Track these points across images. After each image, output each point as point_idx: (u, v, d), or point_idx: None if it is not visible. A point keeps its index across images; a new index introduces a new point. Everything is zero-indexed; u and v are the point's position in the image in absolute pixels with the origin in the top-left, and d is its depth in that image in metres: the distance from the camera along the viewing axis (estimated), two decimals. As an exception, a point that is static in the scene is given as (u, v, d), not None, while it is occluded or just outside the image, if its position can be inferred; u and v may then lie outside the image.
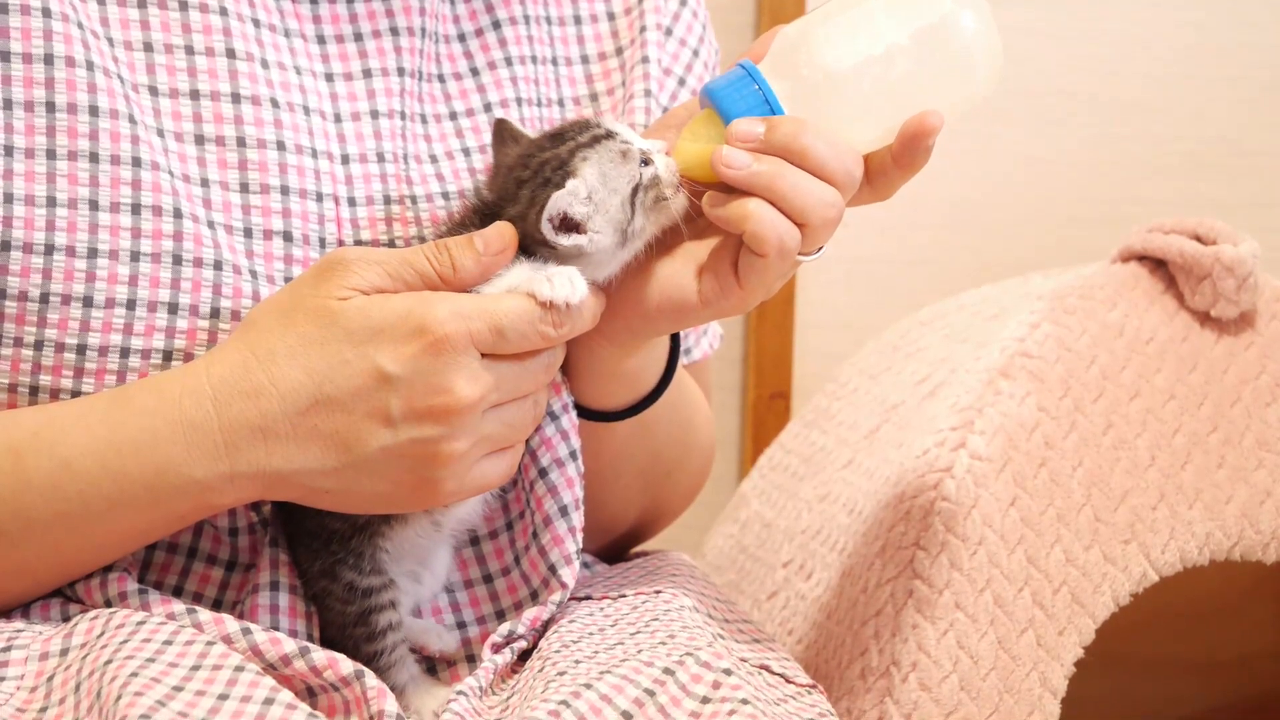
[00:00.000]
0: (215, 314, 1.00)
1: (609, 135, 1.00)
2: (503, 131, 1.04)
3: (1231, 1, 2.23)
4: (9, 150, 0.98)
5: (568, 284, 0.97)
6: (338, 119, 1.07)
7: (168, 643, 0.94)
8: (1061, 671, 1.23)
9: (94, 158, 0.99)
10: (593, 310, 0.99)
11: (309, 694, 0.96)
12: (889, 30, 0.99)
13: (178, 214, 1.00)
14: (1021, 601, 1.23)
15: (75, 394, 0.99)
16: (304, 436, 0.96)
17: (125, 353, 0.99)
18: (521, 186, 0.99)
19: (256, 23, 1.05)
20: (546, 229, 0.97)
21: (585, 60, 1.16)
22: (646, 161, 0.99)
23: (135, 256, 0.99)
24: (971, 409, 1.30)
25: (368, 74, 1.08)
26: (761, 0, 2.13)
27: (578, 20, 1.16)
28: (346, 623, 1.03)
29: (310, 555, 1.03)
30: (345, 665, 0.95)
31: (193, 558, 1.05)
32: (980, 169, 2.21)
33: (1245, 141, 2.26)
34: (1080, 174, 2.24)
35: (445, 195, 1.08)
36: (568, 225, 0.97)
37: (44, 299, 0.98)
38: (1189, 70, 2.24)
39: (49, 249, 0.98)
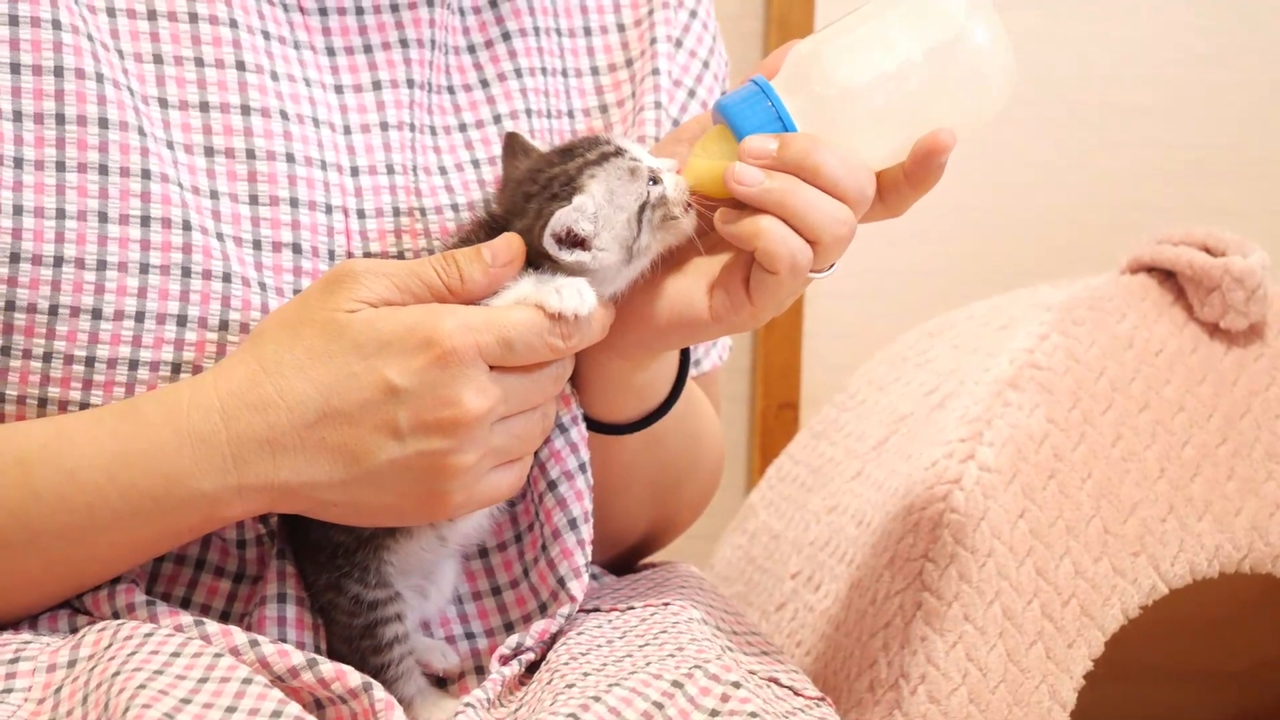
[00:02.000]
0: (224, 326, 1.00)
1: (618, 152, 0.99)
2: (513, 145, 1.04)
3: (1239, 7, 2.23)
4: (19, 162, 0.98)
5: (576, 295, 0.97)
6: (347, 131, 1.07)
7: (175, 654, 0.94)
8: (1071, 684, 1.23)
9: (103, 170, 0.99)
10: (601, 322, 0.99)
11: (317, 706, 0.96)
12: (903, 47, 0.98)
13: (187, 226, 1.00)
14: (1030, 614, 1.23)
15: (84, 406, 0.99)
16: (312, 449, 0.96)
17: (134, 365, 0.99)
18: (529, 201, 0.99)
19: (266, 35, 1.05)
20: (550, 244, 0.96)
21: (595, 72, 1.16)
22: (655, 180, 0.99)
23: (144, 269, 0.99)
24: (980, 420, 1.30)
25: (377, 86, 1.08)
26: (770, 7, 2.13)
27: (588, 32, 1.16)
28: (353, 635, 1.03)
29: (316, 568, 1.03)
30: (353, 677, 0.95)
31: (200, 570, 1.05)
32: (987, 176, 2.21)
33: (1253, 147, 2.26)
34: (1087, 180, 2.24)
35: (454, 207, 1.08)
36: (572, 241, 0.97)
37: (53, 311, 0.98)
38: (1196, 76, 2.24)
39: (58, 261, 0.98)
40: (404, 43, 1.09)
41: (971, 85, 1.00)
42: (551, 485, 1.07)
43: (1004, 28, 1.00)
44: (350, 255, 1.05)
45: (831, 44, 0.99)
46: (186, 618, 0.99)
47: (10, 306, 0.98)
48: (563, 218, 0.96)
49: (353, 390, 0.95)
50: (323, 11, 1.08)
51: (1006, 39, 1.00)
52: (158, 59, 1.02)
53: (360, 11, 1.09)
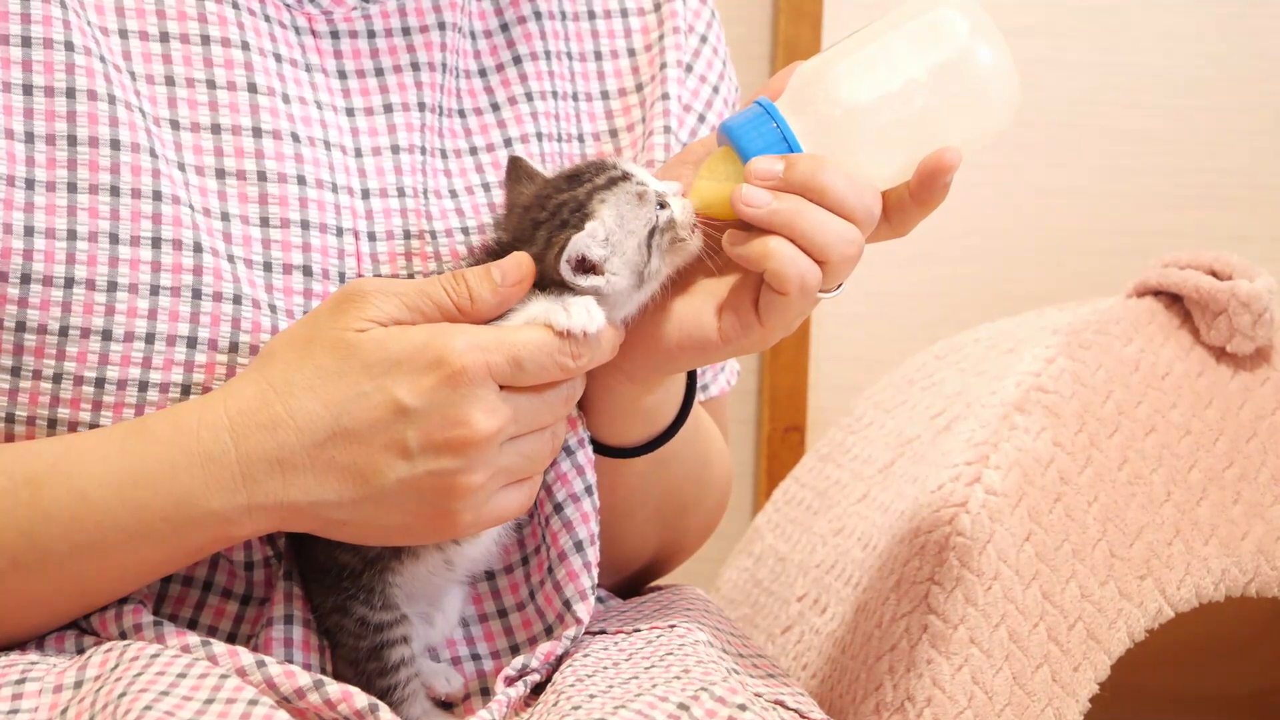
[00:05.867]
0: (234, 348, 1.01)
1: (625, 177, 1.00)
2: (517, 169, 1.04)
3: (1248, 34, 2.24)
4: (30, 183, 0.99)
5: (585, 313, 0.97)
6: (358, 154, 1.07)
7: (182, 675, 0.94)
8: (1076, 708, 1.22)
9: (115, 191, 0.99)
10: (611, 341, 0.99)
11: (323, 727, 0.96)
12: (907, 66, 0.99)
13: (198, 248, 1.01)
14: (1036, 637, 1.23)
15: (93, 427, 0.99)
16: (321, 468, 0.96)
17: (144, 386, 1.00)
18: (538, 228, 1.00)
19: (278, 57, 1.05)
20: (565, 270, 0.97)
21: (605, 96, 1.16)
22: (662, 204, 0.99)
23: (155, 290, 1.00)
24: (986, 444, 1.30)
25: (388, 109, 1.09)
26: (778, 33, 2.13)
27: (598, 56, 1.16)
28: (359, 658, 1.03)
29: (322, 591, 1.03)
30: (360, 699, 0.95)
31: (208, 591, 1.05)
32: (995, 201, 2.21)
33: (1261, 173, 2.26)
34: (1095, 206, 2.24)
35: (465, 230, 1.08)
36: (585, 267, 0.97)
37: (63, 332, 0.98)
38: (1205, 102, 2.24)
39: (69, 282, 0.98)
40: (415, 66, 1.10)
41: (976, 104, 1.00)
42: (558, 508, 1.07)
43: (1009, 49, 1.00)
44: (361, 277, 1.05)
45: (836, 64, 1.00)
46: (193, 638, 0.99)
47: (21, 327, 0.98)
48: (578, 244, 0.96)
49: (362, 410, 0.95)
50: (334, 35, 1.08)
51: (1010, 58, 1.00)
52: (169, 81, 1.03)
53: (371, 35, 1.09)
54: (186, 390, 1.00)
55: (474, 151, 1.11)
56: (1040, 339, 1.40)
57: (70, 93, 0.99)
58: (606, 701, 0.96)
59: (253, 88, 1.04)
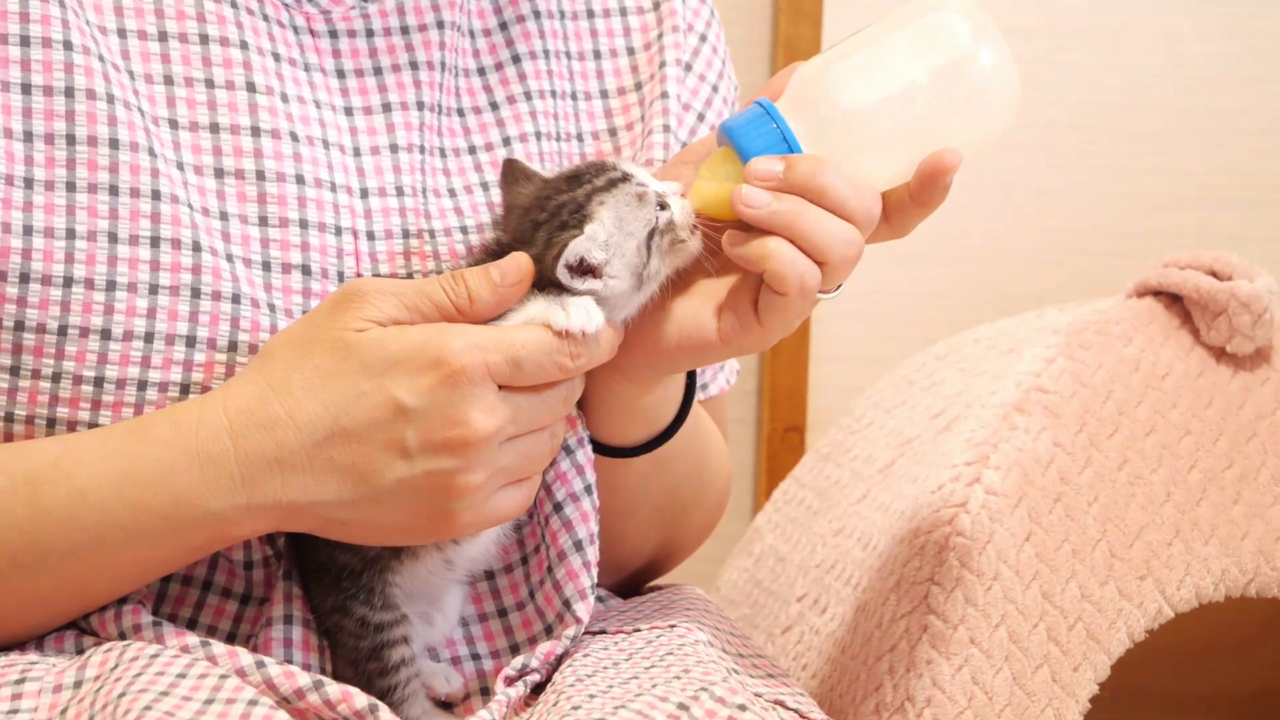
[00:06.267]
0: (233, 347, 1.01)
1: (625, 178, 1.00)
2: (513, 170, 1.04)
3: (1248, 35, 2.24)
4: (29, 183, 0.99)
5: (584, 313, 0.97)
6: (357, 153, 1.07)
7: (181, 675, 0.94)
8: (1076, 708, 1.22)
9: (114, 190, 0.99)
10: (610, 341, 0.99)
11: (323, 728, 0.96)
12: (907, 68, 0.99)
13: (196, 247, 1.01)
14: (1036, 637, 1.23)
15: (92, 426, 0.99)
16: (320, 468, 0.96)
17: (143, 385, 1.00)
18: (538, 229, 0.99)
19: (277, 57, 1.05)
20: (563, 273, 0.97)
21: (605, 95, 1.16)
22: (662, 205, 0.99)
23: (154, 289, 1.00)
24: (986, 444, 1.30)
25: (387, 108, 1.09)
26: (778, 33, 2.13)
27: (597, 55, 1.16)
28: (359, 658, 1.03)
29: (322, 591, 1.03)
30: (359, 699, 0.95)
31: (207, 591, 1.05)
32: (996, 202, 2.21)
33: (1261, 174, 2.26)
34: (1096, 207, 2.24)
35: (464, 230, 1.08)
36: (584, 269, 0.97)
37: (62, 331, 0.99)
38: (1205, 103, 2.24)
39: (68, 281, 0.98)
40: (414, 65, 1.10)
41: (976, 106, 1.00)
42: (558, 507, 1.07)
43: (1010, 51, 1.00)
44: (359, 277, 1.05)
45: (836, 66, 1.00)
46: (193, 638, 0.99)
47: (20, 326, 0.98)
48: (576, 247, 0.96)
49: (361, 409, 0.95)
50: (333, 34, 1.08)
51: (1011, 60, 1.00)
52: (168, 80, 1.03)
53: (370, 34, 1.09)
54: (185, 389, 1.00)
55: (473, 150, 1.11)
56: (1040, 339, 1.40)
57: (69, 92, 0.99)
58: (606, 701, 0.96)
59: (251, 87, 1.04)
